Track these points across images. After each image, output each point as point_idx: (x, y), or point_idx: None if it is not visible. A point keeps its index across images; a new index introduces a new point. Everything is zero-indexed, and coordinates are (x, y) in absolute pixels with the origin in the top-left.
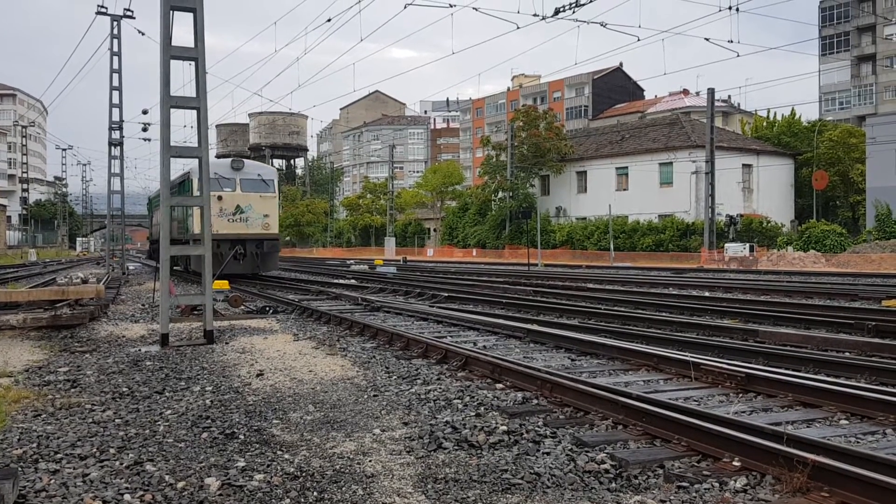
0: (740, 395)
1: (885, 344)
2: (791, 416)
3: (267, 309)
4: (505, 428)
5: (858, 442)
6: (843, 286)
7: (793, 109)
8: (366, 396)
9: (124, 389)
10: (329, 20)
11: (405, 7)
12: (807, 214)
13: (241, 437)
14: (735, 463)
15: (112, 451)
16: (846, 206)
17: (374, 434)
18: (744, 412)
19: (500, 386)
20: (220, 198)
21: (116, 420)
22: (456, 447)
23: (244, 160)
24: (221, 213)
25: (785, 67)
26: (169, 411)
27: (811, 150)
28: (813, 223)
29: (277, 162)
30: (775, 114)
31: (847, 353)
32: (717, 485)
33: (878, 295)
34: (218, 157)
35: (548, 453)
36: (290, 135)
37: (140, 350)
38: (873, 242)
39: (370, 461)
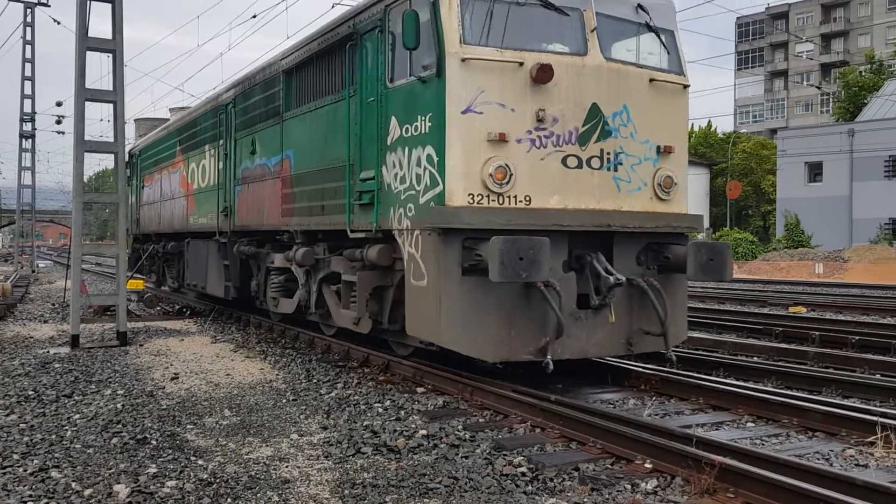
0: (654, 398)
1: (790, 349)
2: (701, 419)
3: (185, 310)
4: (424, 432)
5: (763, 444)
6: (754, 293)
7: (709, 121)
8: (284, 401)
9: (30, 393)
10: (254, 16)
11: (333, 6)
12: (721, 223)
13: (154, 442)
14: (647, 465)
15: (15, 457)
16: (758, 215)
17: (291, 439)
18: (657, 415)
19: (420, 390)
20: (541, 74)
21: (21, 425)
22: (374, 452)
23: None
24: (542, 130)
25: (702, 81)
26: (77, 416)
27: (726, 160)
28: (726, 231)
29: None
30: (692, 125)
31: (756, 358)
32: (629, 486)
33: (786, 301)
34: None
35: (466, 457)
36: None
37: (48, 352)
38: (782, 251)
39: (287, 467)
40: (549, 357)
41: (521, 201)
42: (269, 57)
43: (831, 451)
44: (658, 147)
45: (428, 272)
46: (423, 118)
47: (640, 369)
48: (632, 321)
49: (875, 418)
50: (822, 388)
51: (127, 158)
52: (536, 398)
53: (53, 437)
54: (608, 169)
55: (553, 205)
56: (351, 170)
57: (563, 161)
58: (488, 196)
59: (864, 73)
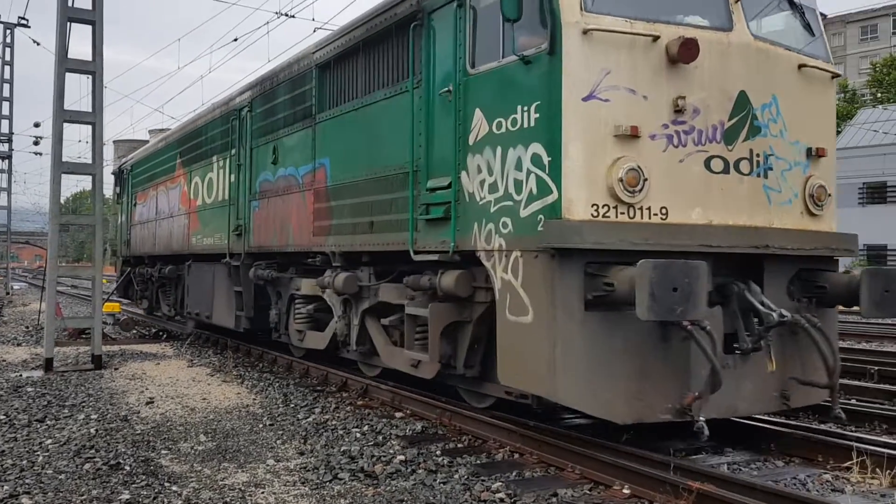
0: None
1: None
2: (680, 445)
3: (161, 333)
4: (403, 457)
5: (741, 469)
6: None
7: None
8: (261, 425)
9: (1, 417)
10: (235, 40)
11: (314, 31)
12: None
13: (127, 468)
14: (625, 491)
15: None
16: None
17: (267, 465)
18: (636, 440)
19: (399, 414)
20: (684, 51)
21: None
22: (352, 478)
23: None
24: (681, 124)
25: None
26: (50, 441)
27: None
28: None
29: None
30: None
31: None
32: None
33: None
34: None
35: (444, 483)
36: None
37: (21, 375)
38: None
39: (262, 493)
40: (701, 419)
41: (655, 214)
42: (253, 77)
43: (808, 476)
44: (809, 149)
45: (534, 305)
46: (525, 109)
47: None
48: (785, 368)
49: (851, 443)
50: (798, 413)
51: (117, 173)
52: (515, 424)
53: (25, 462)
54: (757, 175)
55: (695, 219)
56: (415, 177)
57: (707, 164)
58: (615, 207)
59: (838, 102)
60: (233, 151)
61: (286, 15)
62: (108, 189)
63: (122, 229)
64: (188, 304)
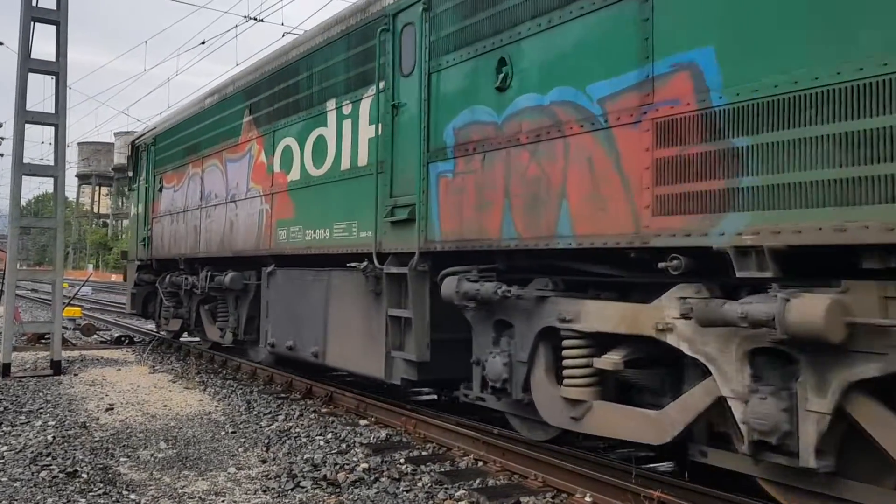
0: None
1: None
2: (641, 452)
3: (123, 339)
4: (366, 465)
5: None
6: None
7: None
8: (223, 433)
9: None
10: (203, 43)
11: (283, 35)
12: None
13: (84, 475)
14: (587, 499)
15: None
16: None
17: (228, 473)
18: (599, 448)
19: (364, 422)
20: None
21: None
22: (314, 486)
23: None
24: None
25: None
26: (5, 448)
27: None
28: None
29: None
30: None
31: None
32: None
33: None
34: (79, 176)
35: (408, 490)
36: None
37: None
38: None
39: (223, 501)
40: None
41: None
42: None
43: None
44: None
45: None
46: None
47: None
48: None
49: None
50: None
51: (130, 152)
52: (479, 431)
53: None
54: None
55: None
56: None
57: None
58: None
59: None
60: (381, 85)
61: (255, 19)
62: (71, 192)
63: (138, 224)
64: (270, 332)
